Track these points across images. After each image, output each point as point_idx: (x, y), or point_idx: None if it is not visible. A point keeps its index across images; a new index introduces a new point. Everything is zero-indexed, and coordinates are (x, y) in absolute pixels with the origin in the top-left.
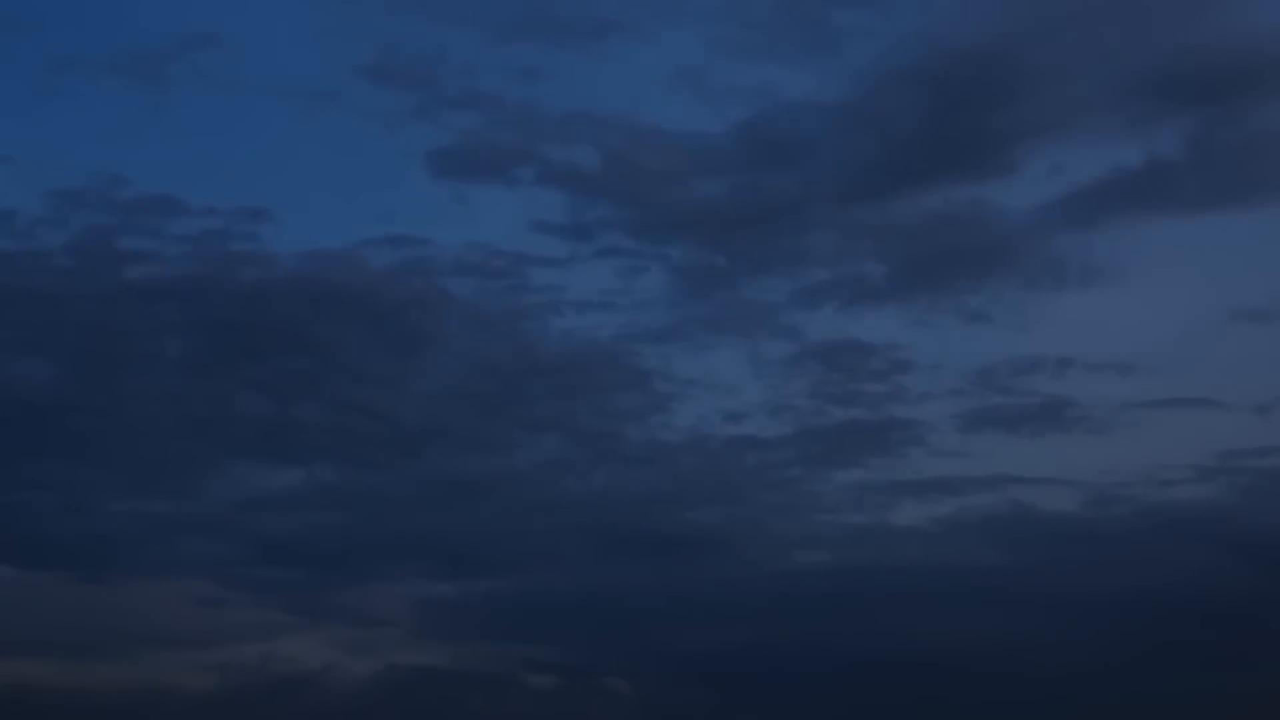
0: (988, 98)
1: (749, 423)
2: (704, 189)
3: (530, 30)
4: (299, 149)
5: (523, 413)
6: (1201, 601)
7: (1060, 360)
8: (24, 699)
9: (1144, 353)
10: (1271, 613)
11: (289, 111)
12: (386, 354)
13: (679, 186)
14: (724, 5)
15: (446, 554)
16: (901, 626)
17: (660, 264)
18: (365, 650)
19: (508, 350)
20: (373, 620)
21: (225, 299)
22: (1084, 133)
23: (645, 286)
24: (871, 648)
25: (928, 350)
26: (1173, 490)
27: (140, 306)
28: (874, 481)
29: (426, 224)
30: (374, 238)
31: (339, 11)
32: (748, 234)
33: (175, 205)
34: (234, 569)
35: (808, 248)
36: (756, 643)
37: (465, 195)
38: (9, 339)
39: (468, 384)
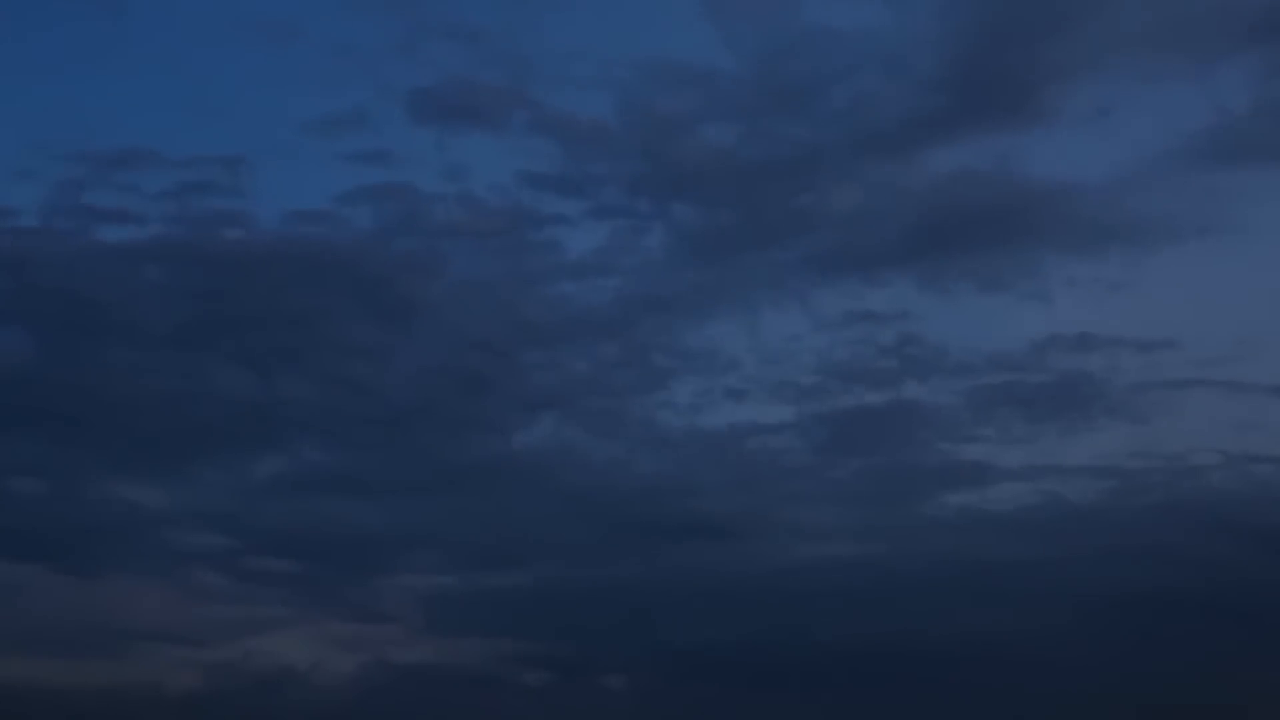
0: (1025, 31)
1: (755, 402)
2: (713, 137)
3: None
4: (269, 88)
5: (517, 389)
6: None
7: (1094, 338)
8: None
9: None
10: None
11: (251, 44)
12: (374, 324)
13: (686, 134)
14: None
15: (439, 545)
16: (916, 620)
17: (662, 224)
18: (355, 646)
19: (500, 320)
20: (363, 615)
21: (206, 264)
22: (1133, 73)
23: (645, 249)
24: (879, 642)
25: (948, 325)
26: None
27: (117, 272)
28: (886, 468)
29: (409, 172)
30: (356, 189)
31: None
32: (758, 190)
33: (149, 156)
34: (218, 560)
35: (821, 207)
36: (762, 637)
37: (450, 144)
38: None
39: (459, 358)
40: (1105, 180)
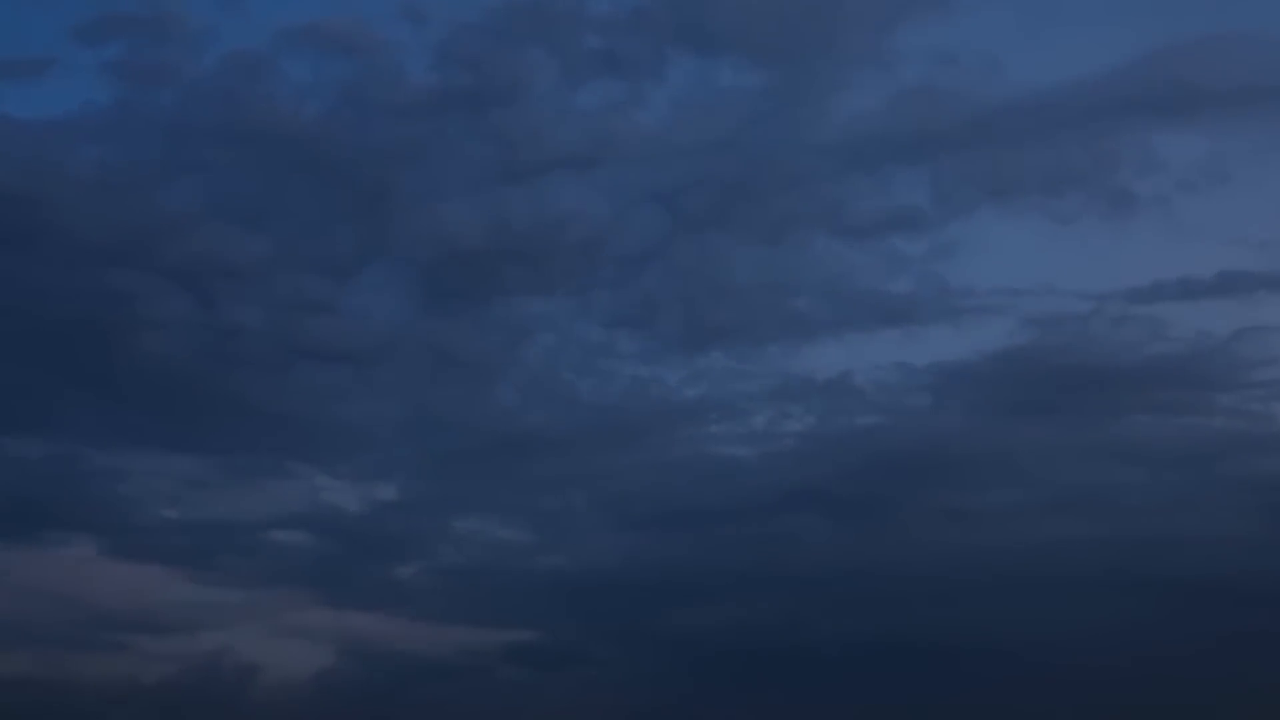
0: None
1: (763, 344)
2: None
3: None
4: None
5: (502, 317)
6: None
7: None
8: None
9: None
10: None
11: None
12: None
13: None
14: None
15: (420, 526)
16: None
17: (665, 85)
18: (335, 636)
19: (479, 225)
20: (345, 602)
21: (137, 137)
22: None
23: (643, 124)
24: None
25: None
26: None
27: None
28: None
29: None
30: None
31: None
32: (795, 36)
33: None
34: (172, 539)
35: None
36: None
37: None
38: None
39: (435, 275)
40: None
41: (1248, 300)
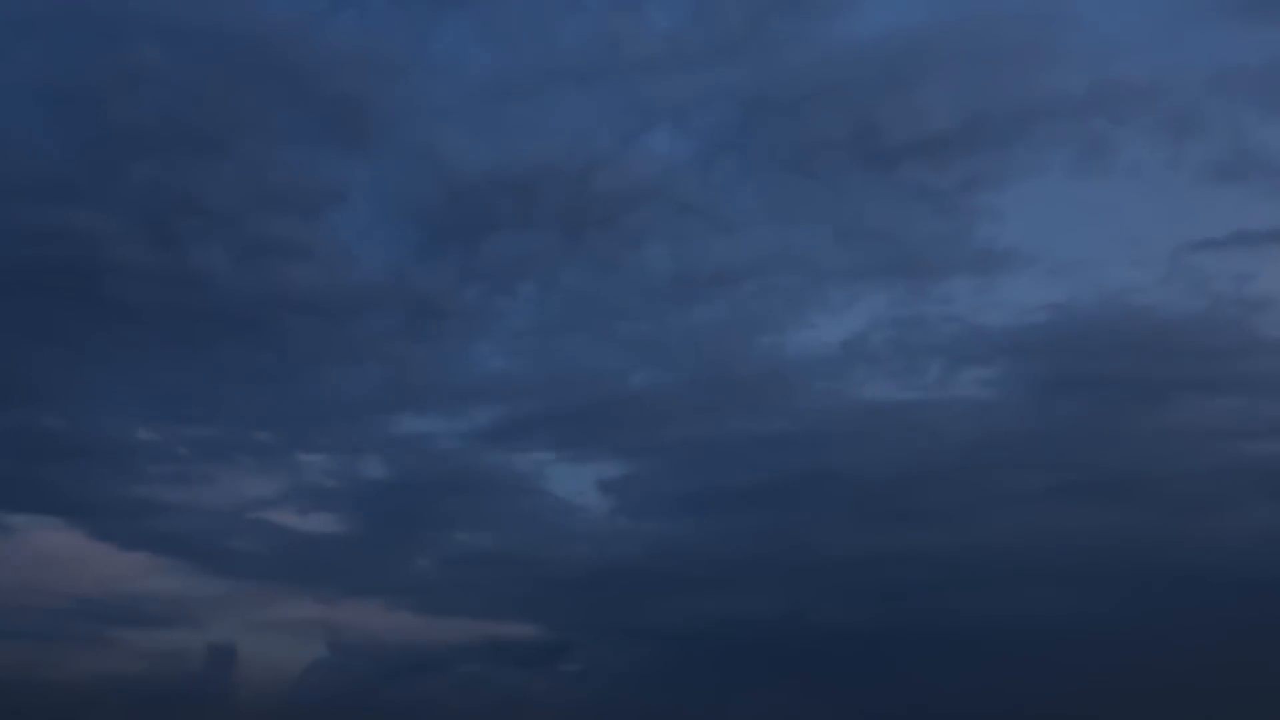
0: None
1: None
2: None
3: None
4: None
5: (495, 262)
6: None
7: None
8: None
9: None
10: None
11: None
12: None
13: None
14: None
15: (413, 517)
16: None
17: None
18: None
19: (469, 154)
20: (329, 595)
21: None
22: None
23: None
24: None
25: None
26: None
27: None
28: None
29: None
30: None
31: None
32: None
33: None
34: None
35: None
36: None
37: None
38: None
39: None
40: None
41: None
